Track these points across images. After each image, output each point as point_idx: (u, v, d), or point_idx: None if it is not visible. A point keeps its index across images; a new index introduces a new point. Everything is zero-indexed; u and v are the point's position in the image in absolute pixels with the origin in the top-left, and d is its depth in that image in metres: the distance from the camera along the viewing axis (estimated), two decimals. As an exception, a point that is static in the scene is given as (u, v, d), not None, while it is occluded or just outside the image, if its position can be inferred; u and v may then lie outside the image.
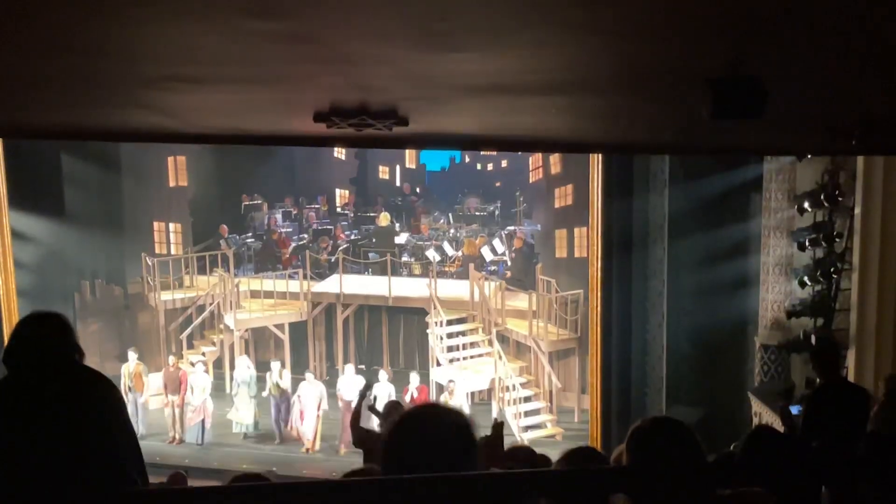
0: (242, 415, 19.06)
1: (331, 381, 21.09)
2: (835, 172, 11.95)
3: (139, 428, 17.52)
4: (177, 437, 18.77)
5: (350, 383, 18.24)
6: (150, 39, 3.87)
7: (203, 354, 20.66)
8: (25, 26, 3.56)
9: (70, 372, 3.98)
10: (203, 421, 18.61)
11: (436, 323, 20.25)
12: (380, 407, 11.08)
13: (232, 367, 20.03)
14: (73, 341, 4.07)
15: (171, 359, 19.82)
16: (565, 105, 5.42)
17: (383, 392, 17.76)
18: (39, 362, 3.91)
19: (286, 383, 19.36)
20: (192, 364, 19.70)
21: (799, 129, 6.39)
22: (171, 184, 23.56)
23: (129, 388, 18.57)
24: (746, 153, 12.12)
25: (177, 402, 18.89)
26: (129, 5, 3.31)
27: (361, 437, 8.93)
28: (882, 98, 4.98)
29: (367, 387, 10.17)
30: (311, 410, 18.15)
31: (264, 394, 19.31)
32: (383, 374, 18.70)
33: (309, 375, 19.06)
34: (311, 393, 18.20)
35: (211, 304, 21.72)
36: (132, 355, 19.21)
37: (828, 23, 3.41)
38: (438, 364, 19.69)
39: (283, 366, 19.95)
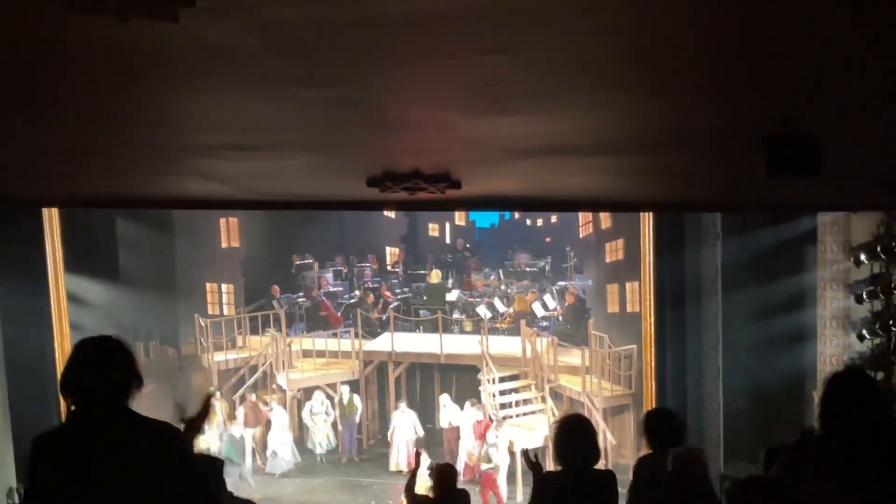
0: (320, 439, 20.14)
1: (384, 440, 21.20)
2: (891, 223, 11.77)
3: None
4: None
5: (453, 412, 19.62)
6: (208, 110, 3.92)
7: (266, 404, 20.92)
8: (90, 99, 3.62)
9: (132, 421, 3.93)
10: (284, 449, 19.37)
11: (488, 380, 20.14)
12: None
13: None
14: (133, 370, 4.01)
15: (252, 395, 20.49)
16: (617, 165, 5.41)
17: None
18: (98, 399, 3.86)
19: (357, 405, 20.71)
20: (266, 403, 20.49)
21: (855, 185, 6.33)
22: (224, 245, 23.78)
23: (219, 423, 19.57)
24: (801, 210, 12.00)
25: (256, 434, 19.89)
26: (190, 78, 3.36)
27: (416, 502, 8.89)
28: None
29: (420, 450, 10.12)
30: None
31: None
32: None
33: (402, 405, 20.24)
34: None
35: (263, 364, 21.78)
36: (216, 392, 19.84)
37: (883, 79, 3.37)
38: (491, 420, 19.53)
39: (351, 390, 20.90)
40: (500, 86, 3.49)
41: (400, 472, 18.84)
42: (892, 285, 11.73)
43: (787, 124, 3.95)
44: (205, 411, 4.29)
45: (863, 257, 12.02)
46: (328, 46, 3.03)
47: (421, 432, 19.77)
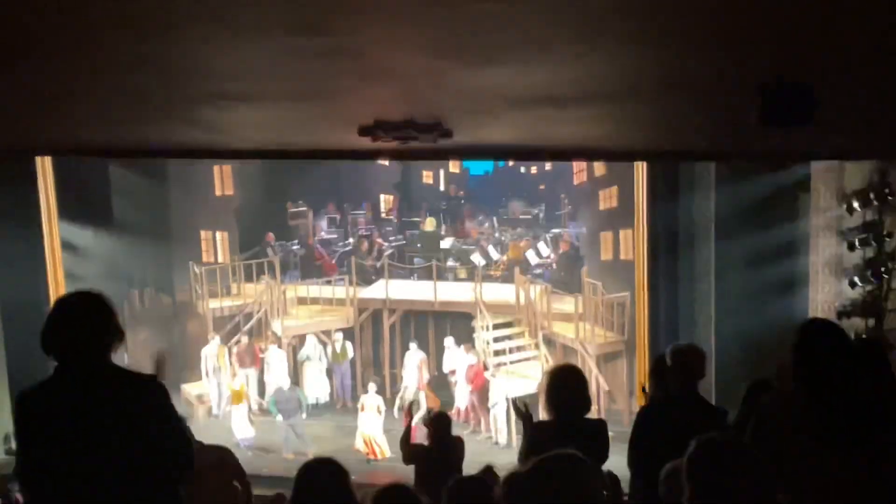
0: (314, 388, 20.13)
1: (378, 388, 21.35)
2: (884, 171, 11.76)
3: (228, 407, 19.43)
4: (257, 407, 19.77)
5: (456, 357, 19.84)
6: (198, 57, 3.90)
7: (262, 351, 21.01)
8: (79, 45, 3.60)
9: (112, 375, 3.97)
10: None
11: (482, 327, 20.22)
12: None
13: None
14: (113, 324, 4.04)
15: (244, 337, 20.62)
16: (610, 113, 5.39)
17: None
18: (80, 355, 3.90)
19: (348, 352, 20.86)
20: (262, 350, 20.75)
21: (848, 133, 6.31)
22: (218, 193, 23.73)
23: (216, 369, 20.08)
24: (794, 159, 11.97)
25: (252, 374, 20.18)
26: (180, 26, 3.34)
27: (411, 453, 8.95)
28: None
29: (415, 403, 10.21)
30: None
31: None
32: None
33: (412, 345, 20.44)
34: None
35: (258, 312, 21.85)
36: (214, 338, 20.41)
37: (876, 26, 3.36)
38: (486, 368, 19.64)
39: (344, 336, 20.92)
40: (492, 35, 3.47)
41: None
42: (885, 232, 11.75)
43: (781, 72, 3.94)
44: (158, 374, 4.32)
45: (855, 205, 12.02)
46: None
47: (426, 375, 20.12)
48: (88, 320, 3.94)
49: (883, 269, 11.78)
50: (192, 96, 4.77)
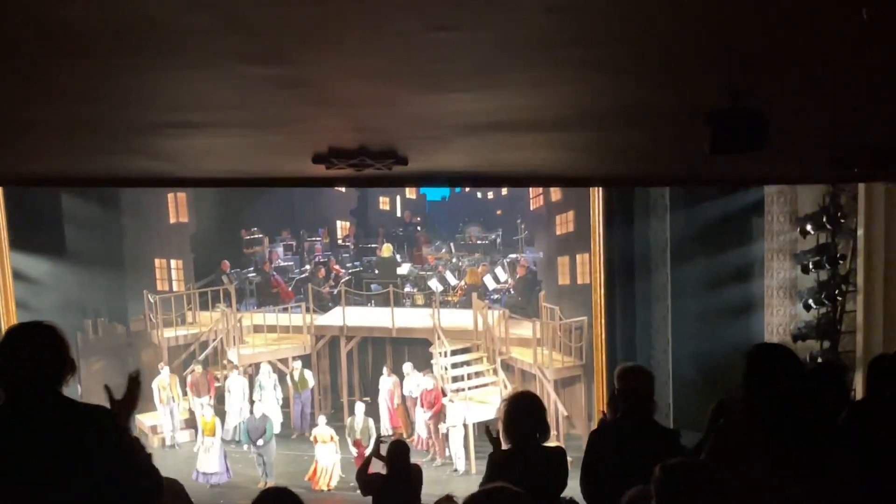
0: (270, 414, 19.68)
1: (336, 415, 21.24)
2: (836, 194, 11.92)
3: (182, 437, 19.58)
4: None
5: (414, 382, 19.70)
6: (150, 87, 3.87)
7: (217, 379, 20.80)
8: (30, 77, 3.56)
9: (64, 408, 3.89)
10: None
11: (440, 353, 20.17)
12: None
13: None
14: (64, 356, 3.95)
15: (198, 366, 20.36)
16: (564, 140, 5.41)
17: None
18: (30, 387, 3.82)
19: (309, 380, 20.73)
20: (217, 379, 20.67)
21: (800, 159, 6.38)
22: (172, 220, 23.52)
23: (169, 399, 19.85)
24: (747, 183, 12.10)
25: (206, 403, 19.71)
26: (133, 56, 3.30)
27: (368, 483, 8.90)
28: (882, 126, 4.97)
29: (380, 440, 10.14)
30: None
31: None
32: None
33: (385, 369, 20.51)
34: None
35: (214, 340, 21.66)
36: (164, 368, 20.08)
37: (825, 54, 3.40)
38: (444, 394, 19.57)
39: (302, 364, 20.89)
40: (447, 63, 3.47)
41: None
42: (838, 255, 11.88)
43: (731, 99, 3.97)
44: (132, 392, 4.25)
45: (809, 228, 12.16)
46: (273, 24, 2.99)
47: (397, 401, 20.18)
48: (40, 352, 3.85)
49: (837, 291, 11.91)
50: (144, 126, 4.72)
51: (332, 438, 17.80)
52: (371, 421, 18.76)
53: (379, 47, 3.26)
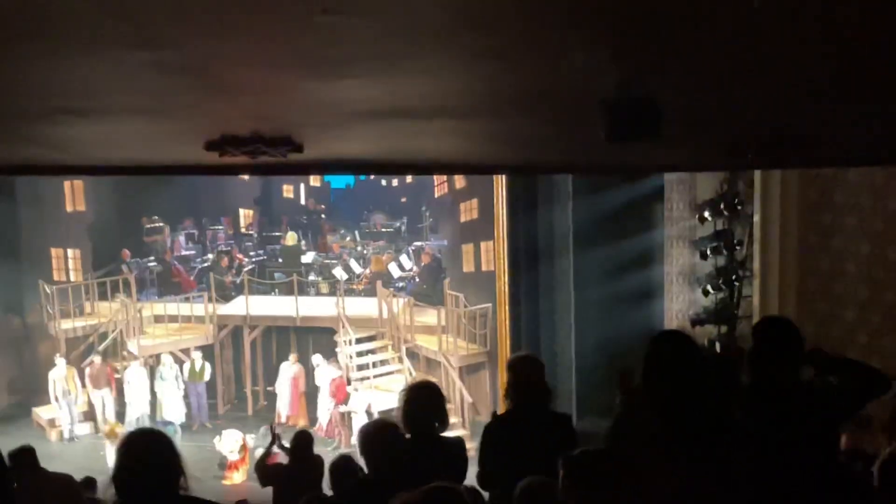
0: (170, 410, 19.49)
1: (240, 405, 21.06)
2: (733, 181, 12.10)
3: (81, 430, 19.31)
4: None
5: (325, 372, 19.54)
6: (35, 73, 3.73)
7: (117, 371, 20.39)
8: None
9: None
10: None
11: (345, 342, 20.09)
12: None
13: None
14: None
15: (97, 358, 19.99)
16: (463, 128, 5.37)
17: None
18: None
19: (206, 372, 20.46)
20: (117, 371, 20.30)
21: (695, 147, 6.44)
22: (69, 209, 23.00)
23: (66, 392, 19.39)
24: (645, 172, 12.24)
25: (107, 395, 19.59)
26: (12, 42, 3.17)
27: (268, 474, 8.81)
28: (774, 113, 5.02)
29: (275, 434, 10.01)
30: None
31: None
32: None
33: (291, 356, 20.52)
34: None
35: (114, 331, 21.25)
36: (60, 360, 19.58)
37: (717, 41, 3.40)
38: (349, 383, 19.50)
39: (203, 356, 20.66)
40: (336, 48, 3.39)
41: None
42: (735, 241, 12.08)
43: (626, 87, 3.97)
44: None
45: (707, 214, 12.33)
46: (151, 6, 2.89)
47: (301, 389, 20.20)
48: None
49: (734, 276, 12.11)
50: (30, 113, 4.56)
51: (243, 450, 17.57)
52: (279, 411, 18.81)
53: (262, 31, 3.18)
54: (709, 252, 12.38)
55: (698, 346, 4.71)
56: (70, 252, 23.05)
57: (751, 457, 4.34)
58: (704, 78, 4.00)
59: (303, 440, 8.88)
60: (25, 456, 7.98)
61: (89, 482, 10.83)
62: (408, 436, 5.34)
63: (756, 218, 11.47)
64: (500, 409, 6.29)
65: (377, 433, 5.26)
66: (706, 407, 4.28)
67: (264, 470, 8.88)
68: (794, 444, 4.49)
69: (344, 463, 7.72)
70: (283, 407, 20.04)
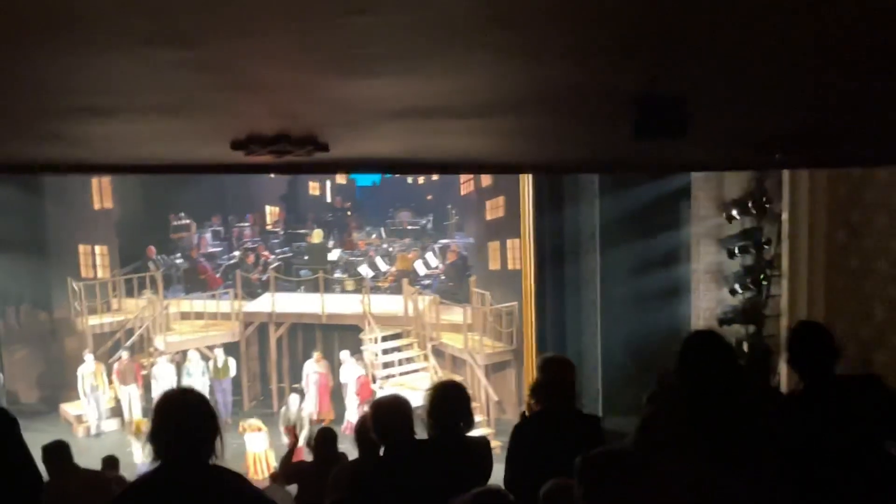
0: None
1: (265, 401, 21.08)
2: (761, 179, 12.03)
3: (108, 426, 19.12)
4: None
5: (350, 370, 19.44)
6: (59, 71, 3.72)
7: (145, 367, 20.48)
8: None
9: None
10: None
11: (370, 340, 20.10)
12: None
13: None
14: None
15: (125, 354, 20.04)
16: (489, 127, 5.34)
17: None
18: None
19: (230, 369, 20.41)
20: (144, 367, 20.30)
21: (723, 145, 6.38)
22: (97, 206, 23.14)
23: (94, 388, 19.47)
24: (672, 170, 12.16)
25: (134, 391, 19.58)
26: (37, 39, 3.16)
27: (291, 472, 8.79)
28: (803, 113, 4.97)
29: (299, 422, 10.01)
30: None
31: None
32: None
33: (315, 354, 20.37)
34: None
35: (140, 328, 21.35)
36: (89, 356, 19.60)
37: (747, 39, 3.36)
38: (374, 381, 19.53)
39: (226, 352, 20.57)
40: (362, 48, 3.36)
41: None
42: (763, 240, 12.01)
43: (653, 85, 3.93)
44: None
45: (735, 213, 12.27)
46: (179, 5, 2.87)
47: (330, 384, 20.23)
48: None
49: (762, 276, 12.04)
50: (53, 111, 4.55)
51: (259, 428, 17.58)
52: (305, 409, 18.67)
53: (292, 31, 3.16)
54: (736, 251, 12.32)
55: (731, 346, 4.68)
56: (97, 249, 23.19)
57: (790, 459, 4.31)
58: (734, 76, 3.95)
59: (326, 437, 8.85)
60: (59, 450, 8.06)
61: (112, 461, 10.89)
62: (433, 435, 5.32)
63: (784, 216, 11.38)
64: (523, 408, 6.27)
65: (392, 405, 5.28)
66: (738, 407, 4.25)
67: (287, 467, 8.86)
68: (843, 449, 4.46)
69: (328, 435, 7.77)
70: (310, 405, 20.04)
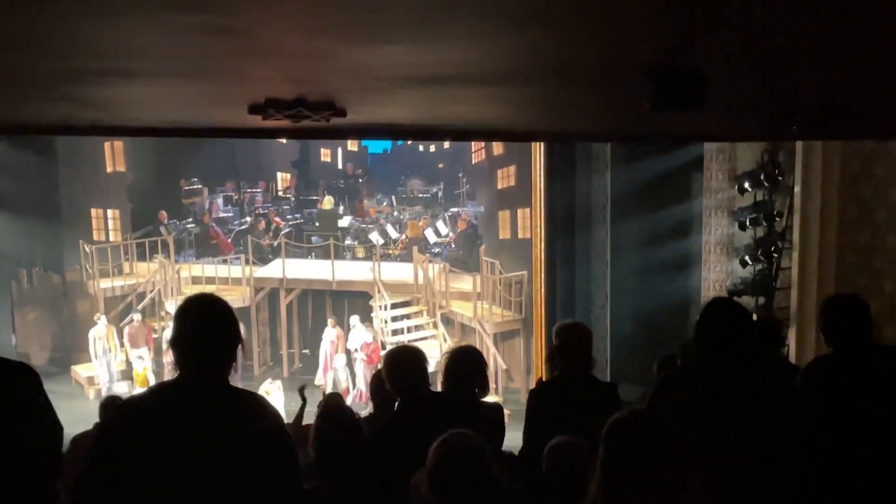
0: None
1: (275, 367, 21.20)
2: (774, 152, 11.99)
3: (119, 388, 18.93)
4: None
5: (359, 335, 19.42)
6: (79, 34, 3.76)
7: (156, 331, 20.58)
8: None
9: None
10: None
11: (380, 306, 20.18)
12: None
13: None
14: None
15: (136, 317, 20.10)
16: (504, 95, 5.36)
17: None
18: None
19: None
20: (155, 330, 20.28)
21: (738, 117, 6.39)
22: (109, 169, 23.17)
23: (105, 350, 19.47)
24: (686, 141, 12.14)
25: (145, 354, 19.70)
26: (56, 2, 3.20)
27: (299, 438, 8.84)
28: (819, 86, 4.98)
29: (304, 398, 10.04)
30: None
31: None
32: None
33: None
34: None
35: (151, 292, 21.45)
36: (101, 319, 19.73)
37: (764, 12, 3.37)
38: (384, 347, 19.61)
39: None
40: (381, 13, 3.40)
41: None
42: (775, 212, 11.98)
43: (671, 57, 3.95)
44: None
45: (746, 185, 12.24)
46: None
47: (340, 352, 20.07)
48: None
49: (773, 248, 12.02)
50: (74, 74, 4.59)
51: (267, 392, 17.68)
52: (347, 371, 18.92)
53: (311, -4, 3.19)
54: (748, 223, 12.30)
55: (750, 315, 4.72)
56: (110, 212, 23.26)
57: (815, 423, 4.38)
58: (752, 47, 3.96)
59: (330, 402, 8.90)
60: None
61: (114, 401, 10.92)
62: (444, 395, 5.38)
63: (797, 189, 11.36)
64: (535, 377, 6.30)
65: (406, 353, 5.35)
66: (753, 374, 4.30)
67: (295, 433, 8.92)
68: (870, 415, 4.52)
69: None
70: (322, 373, 20.13)
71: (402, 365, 5.25)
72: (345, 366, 19.49)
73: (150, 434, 3.43)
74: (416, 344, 18.48)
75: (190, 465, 3.39)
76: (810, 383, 4.80)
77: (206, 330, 3.56)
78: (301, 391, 9.79)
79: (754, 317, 11.83)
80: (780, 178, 11.88)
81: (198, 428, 3.44)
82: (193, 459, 3.40)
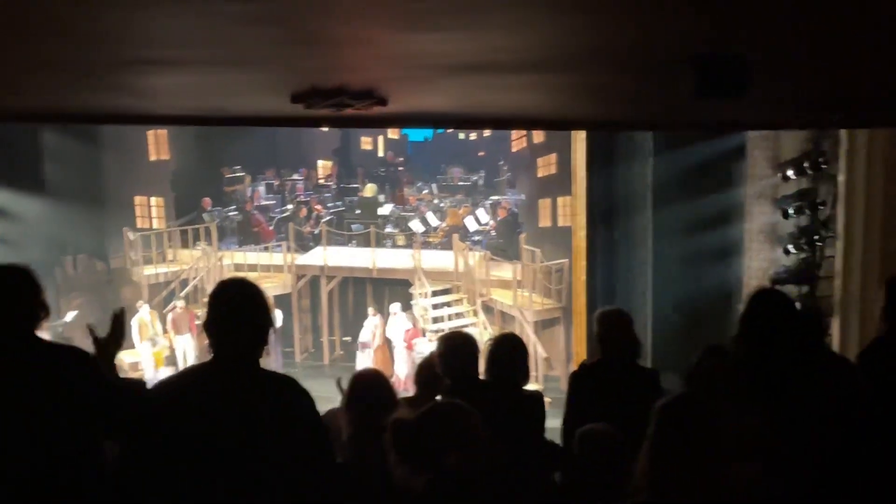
0: None
1: (316, 354, 21.29)
2: (818, 140, 11.88)
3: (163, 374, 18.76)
4: None
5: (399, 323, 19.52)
6: (123, 22, 3.78)
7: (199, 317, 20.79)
8: (6, 12, 3.48)
9: (40, 350, 3.84)
10: None
11: (420, 294, 20.22)
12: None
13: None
14: (38, 300, 3.88)
15: (179, 303, 20.29)
16: (545, 83, 5.35)
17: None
18: (6, 332, 3.75)
19: (276, 320, 20.21)
20: (198, 316, 20.33)
21: (782, 105, 6.33)
22: (153, 157, 23.39)
23: (149, 337, 19.76)
24: (729, 129, 12.04)
25: (188, 340, 19.99)
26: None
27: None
28: (865, 74, 4.92)
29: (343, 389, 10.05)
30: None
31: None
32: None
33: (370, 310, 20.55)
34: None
35: (194, 278, 21.64)
36: (144, 306, 20.05)
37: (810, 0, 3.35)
38: (423, 335, 19.66)
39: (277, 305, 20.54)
40: (424, 2, 3.40)
41: None
42: (818, 201, 11.88)
43: (714, 44, 3.92)
44: (117, 330, 4.23)
45: (790, 173, 12.13)
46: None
47: (378, 341, 20.19)
48: (13, 295, 3.81)
49: (816, 236, 11.92)
50: (117, 62, 4.63)
51: None
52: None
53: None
54: (791, 211, 12.19)
55: (795, 306, 4.71)
56: (153, 200, 23.49)
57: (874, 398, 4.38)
58: (797, 34, 3.93)
59: (359, 382, 8.90)
60: None
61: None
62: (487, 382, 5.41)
63: (841, 178, 11.24)
64: (575, 365, 6.33)
65: (462, 339, 5.41)
66: (799, 364, 4.29)
67: (334, 421, 8.94)
68: None
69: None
70: (367, 360, 20.20)
71: (458, 348, 5.32)
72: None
73: (181, 414, 3.52)
74: (457, 331, 18.69)
75: (221, 445, 3.46)
76: (873, 363, 4.78)
77: (238, 313, 3.65)
78: (338, 383, 9.80)
79: (797, 306, 11.79)
80: (824, 167, 11.76)
81: (228, 409, 3.52)
82: (225, 439, 3.47)
